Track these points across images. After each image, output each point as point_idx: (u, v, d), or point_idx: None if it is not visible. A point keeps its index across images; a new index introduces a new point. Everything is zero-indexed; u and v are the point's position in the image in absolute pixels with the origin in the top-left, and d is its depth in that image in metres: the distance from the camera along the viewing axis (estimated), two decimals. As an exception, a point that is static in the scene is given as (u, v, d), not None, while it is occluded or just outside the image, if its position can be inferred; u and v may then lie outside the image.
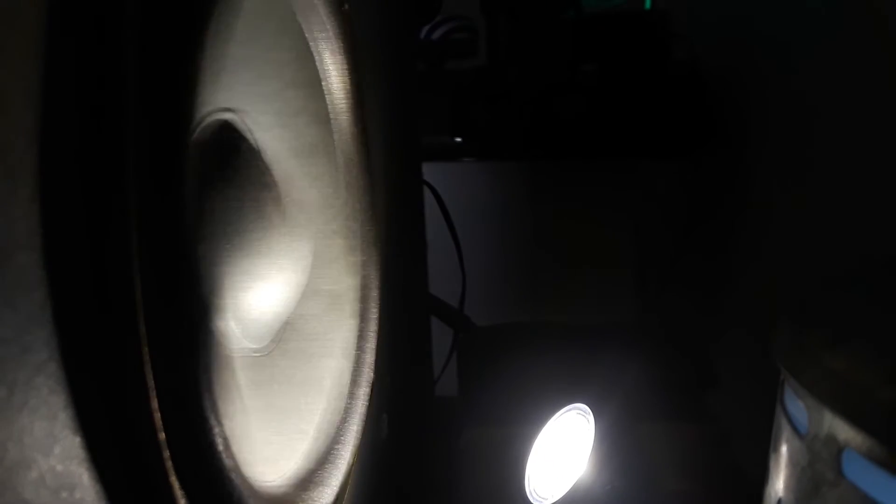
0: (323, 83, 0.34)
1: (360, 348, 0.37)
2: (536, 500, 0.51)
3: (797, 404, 0.27)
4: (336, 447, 0.34)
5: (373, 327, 0.38)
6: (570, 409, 0.51)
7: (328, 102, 0.34)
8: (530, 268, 0.88)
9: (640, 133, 0.82)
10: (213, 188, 0.26)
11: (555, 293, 0.87)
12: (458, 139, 0.85)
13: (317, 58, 0.33)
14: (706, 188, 0.88)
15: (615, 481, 0.54)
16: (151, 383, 0.20)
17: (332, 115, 0.34)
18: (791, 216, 0.67)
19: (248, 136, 0.29)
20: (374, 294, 0.39)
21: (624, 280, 0.87)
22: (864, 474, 0.24)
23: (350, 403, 0.36)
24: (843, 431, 0.24)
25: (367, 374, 0.38)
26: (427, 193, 0.70)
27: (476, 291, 0.75)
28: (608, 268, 0.86)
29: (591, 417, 0.52)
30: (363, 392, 0.37)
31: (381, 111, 0.47)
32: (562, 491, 0.53)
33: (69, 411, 0.18)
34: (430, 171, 0.69)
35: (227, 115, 0.28)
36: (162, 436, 0.20)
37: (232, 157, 0.28)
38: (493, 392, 0.59)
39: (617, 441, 0.54)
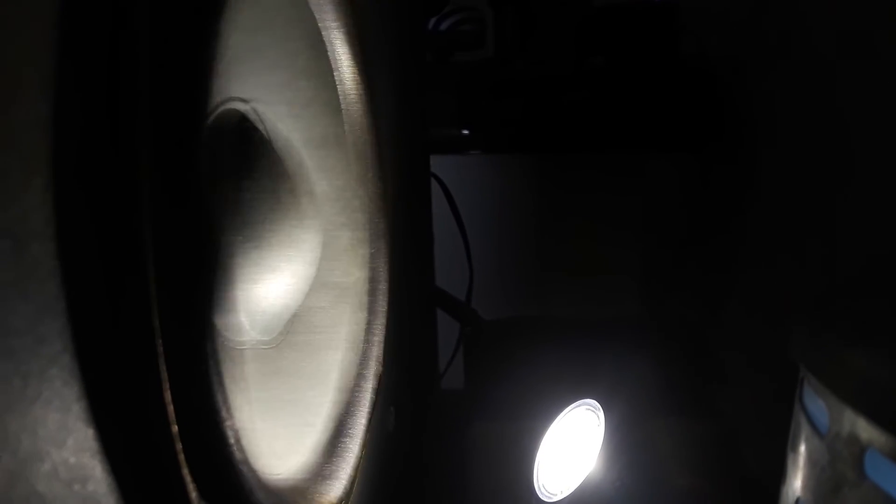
0: (335, 73, 0.33)
1: (367, 341, 0.37)
2: (545, 496, 0.51)
3: (817, 403, 0.27)
4: (344, 440, 0.34)
5: (381, 320, 0.38)
6: (579, 405, 0.51)
7: (340, 93, 0.34)
8: (538, 261, 0.88)
9: (649, 127, 0.81)
10: (229, 178, 0.26)
11: (562, 287, 0.86)
12: (466, 132, 0.85)
13: (329, 48, 0.33)
14: (715, 182, 0.88)
15: (624, 477, 0.54)
16: (165, 375, 0.19)
17: (343, 106, 0.34)
18: (801, 211, 0.66)
19: (260, 126, 0.29)
20: (383, 287, 0.38)
21: (632, 274, 0.87)
22: (887, 474, 0.23)
23: (357, 396, 0.36)
24: (866, 431, 0.23)
25: (375, 367, 0.37)
26: (434, 186, 0.70)
27: (483, 285, 0.74)
28: (616, 261, 0.86)
29: (600, 413, 0.52)
30: (371, 385, 0.37)
31: (389, 102, 0.47)
32: (571, 487, 0.52)
33: (82, 403, 0.18)
34: (437, 163, 0.69)
35: (240, 105, 0.28)
36: (175, 428, 0.20)
37: (246, 146, 0.27)
38: (501, 387, 0.59)
39: (626, 437, 0.54)
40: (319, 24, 0.32)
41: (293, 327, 0.32)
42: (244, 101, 0.28)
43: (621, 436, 0.54)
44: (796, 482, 0.29)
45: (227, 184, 0.26)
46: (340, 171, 0.35)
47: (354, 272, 0.36)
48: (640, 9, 0.85)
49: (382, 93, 0.42)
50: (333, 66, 0.34)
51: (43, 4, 0.17)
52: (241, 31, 0.26)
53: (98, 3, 0.18)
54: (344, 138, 0.35)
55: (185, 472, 0.21)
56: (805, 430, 0.28)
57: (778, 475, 0.34)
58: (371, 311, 0.37)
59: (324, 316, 0.34)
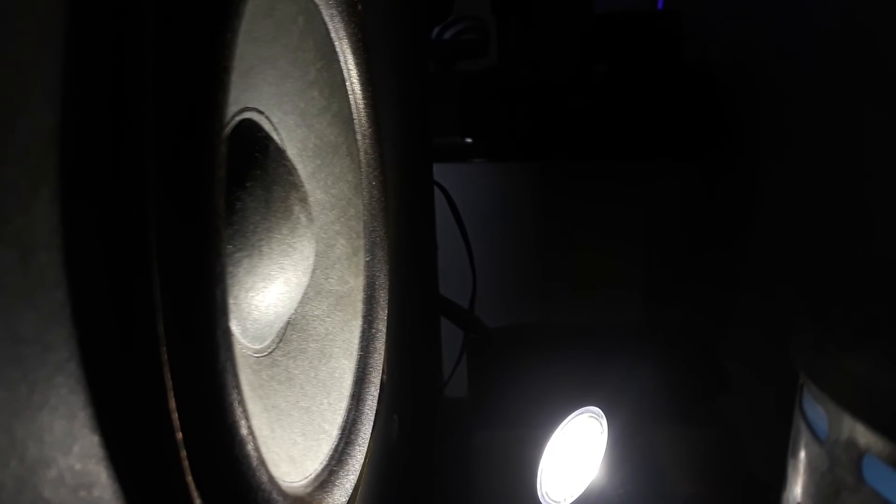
0: (347, 83, 0.33)
1: (366, 349, 0.37)
2: None
3: (816, 409, 0.27)
4: (347, 449, 0.34)
5: (381, 328, 0.38)
6: (582, 412, 0.51)
7: (351, 102, 0.34)
8: (541, 269, 0.88)
9: (652, 134, 0.82)
10: (242, 188, 0.26)
11: (565, 294, 0.86)
12: (469, 140, 0.85)
13: (341, 58, 0.33)
14: (718, 189, 0.88)
15: (627, 485, 0.54)
16: (169, 383, 0.20)
17: (354, 116, 0.34)
18: (804, 218, 0.66)
19: (274, 135, 0.29)
20: (382, 294, 0.38)
21: (635, 282, 0.87)
22: (885, 480, 0.23)
23: (359, 405, 0.35)
24: (864, 436, 0.23)
25: (376, 375, 0.37)
26: (438, 194, 0.70)
27: (486, 293, 0.74)
28: (619, 269, 0.86)
29: (603, 421, 0.52)
30: (372, 393, 0.37)
31: (393, 111, 0.47)
32: (574, 494, 0.52)
33: (88, 410, 0.18)
34: (440, 171, 0.69)
35: (254, 115, 0.28)
36: (179, 435, 0.20)
37: (260, 156, 0.27)
38: (504, 394, 0.59)
39: (629, 445, 0.54)
40: (332, 35, 0.33)
41: (287, 335, 0.32)
42: (258, 110, 0.29)
43: (624, 443, 0.54)
44: (796, 488, 0.29)
45: (243, 193, 0.27)
46: (350, 179, 0.35)
47: (350, 280, 0.36)
48: (642, 16, 0.86)
49: (386, 101, 0.43)
50: (345, 76, 0.34)
51: (51, 18, 0.17)
52: (255, 43, 0.27)
53: (107, 16, 0.19)
54: (355, 147, 0.35)
55: (189, 479, 0.21)
56: (805, 436, 0.28)
57: (781, 481, 0.34)
58: (369, 318, 0.37)
59: (319, 324, 0.34)
